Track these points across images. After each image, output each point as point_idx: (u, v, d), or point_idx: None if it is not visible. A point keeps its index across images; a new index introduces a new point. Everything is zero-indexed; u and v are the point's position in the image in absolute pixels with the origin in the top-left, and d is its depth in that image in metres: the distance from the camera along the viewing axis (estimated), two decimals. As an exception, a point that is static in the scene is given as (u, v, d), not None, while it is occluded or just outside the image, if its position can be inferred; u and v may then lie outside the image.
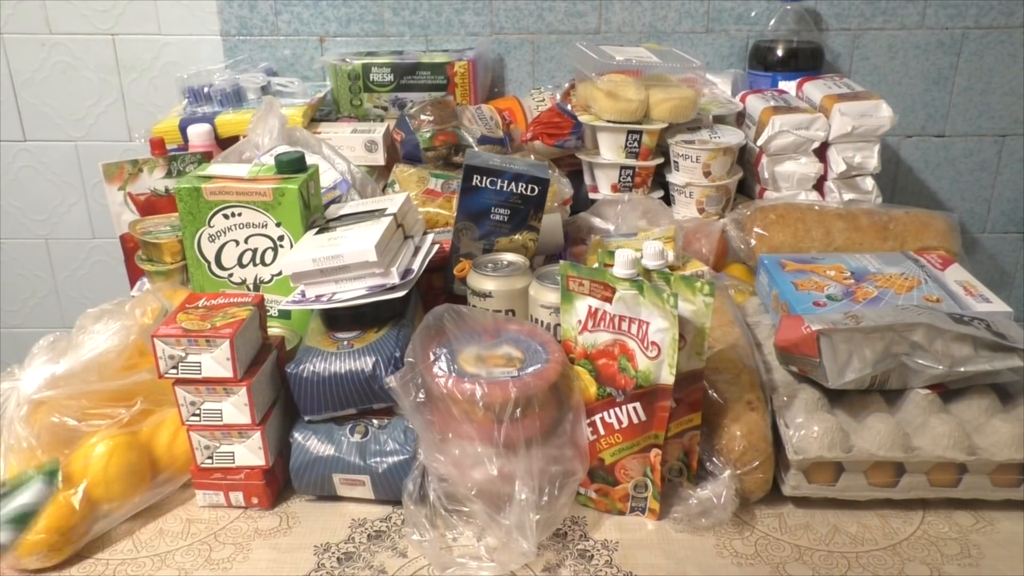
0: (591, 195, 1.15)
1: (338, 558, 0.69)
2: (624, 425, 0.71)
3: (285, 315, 0.88)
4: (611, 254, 0.75)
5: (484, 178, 0.86)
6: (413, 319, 0.81)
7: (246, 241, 0.87)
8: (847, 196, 1.11)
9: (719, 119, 1.16)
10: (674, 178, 1.11)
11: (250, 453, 0.73)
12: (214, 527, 0.73)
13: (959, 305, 0.84)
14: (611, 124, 1.09)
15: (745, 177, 1.15)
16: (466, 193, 0.86)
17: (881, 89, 1.36)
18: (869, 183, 1.12)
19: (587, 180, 1.17)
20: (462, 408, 0.69)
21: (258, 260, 0.87)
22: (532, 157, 1.12)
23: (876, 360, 0.75)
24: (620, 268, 0.73)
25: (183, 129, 1.15)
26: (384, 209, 0.85)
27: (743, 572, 0.67)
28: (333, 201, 0.99)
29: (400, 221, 0.85)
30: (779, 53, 1.29)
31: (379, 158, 1.16)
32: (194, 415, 0.72)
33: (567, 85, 1.24)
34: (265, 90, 1.24)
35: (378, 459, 0.73)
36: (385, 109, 1.28)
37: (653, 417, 0.70)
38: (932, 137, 1.42)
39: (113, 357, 0.77)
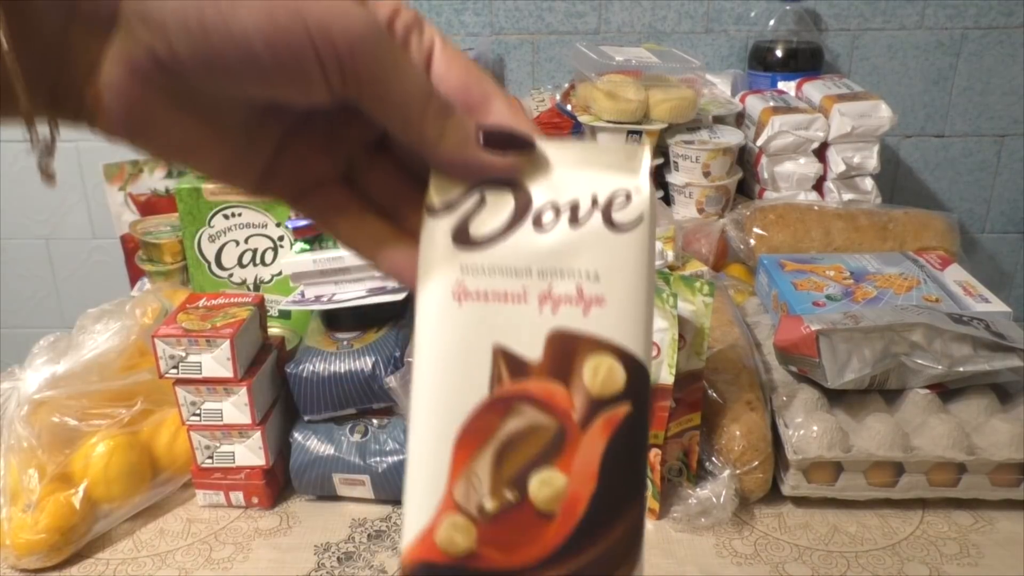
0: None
1: (338, 558, 0.69)
2: (624, 425, 0.71)
3: (285, 315, 0.88)
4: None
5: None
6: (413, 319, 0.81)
7: (246, 241, 0.87)
8: (846, 196, 1.11)
9: (719, 119, 1.16)
10: (673, 178, 1.12)
11: (250, 453, 0.73)
12: (214, 527, 0.73)
13: (958, 305, 0.84)
14: (611, 124, 1.09)
15: (745, 177, 1.15)
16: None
17: (880, 89, 1.36)
18: (868, 183, 1.12)
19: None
20: (462, 408, 0.69)
21: (258, 260, 0.88)
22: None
23: (875, 360, 0.75)
24: (620, 268, 0.73)
25: (183, 129, 1.15)
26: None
27: (743, 572, 0.67)
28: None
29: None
30: (779, 53, 1.30)
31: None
32: (194, 415, 0.72)
33: (567, 85, 1.25)
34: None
35: (378, 459, 0.73)
36: (385, 109, 1.28)
37: (652, 417, 0.70)
38: (931, 137, 1.42)
39: (113, 357, 0.77)
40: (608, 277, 0.29)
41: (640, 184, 0.30)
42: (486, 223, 0.30)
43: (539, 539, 0.28)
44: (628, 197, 0.30)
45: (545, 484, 0.29)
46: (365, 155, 0.32)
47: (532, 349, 0.29)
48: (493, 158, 0.30)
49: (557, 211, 0.30)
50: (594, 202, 0.30)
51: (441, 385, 0.29)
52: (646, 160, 0.30)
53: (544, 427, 0.29)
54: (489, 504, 0.29)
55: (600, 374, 0.29)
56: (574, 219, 0.30)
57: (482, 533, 0.28)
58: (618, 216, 0.30)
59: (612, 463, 0.29)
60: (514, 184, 0.30)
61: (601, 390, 0.29)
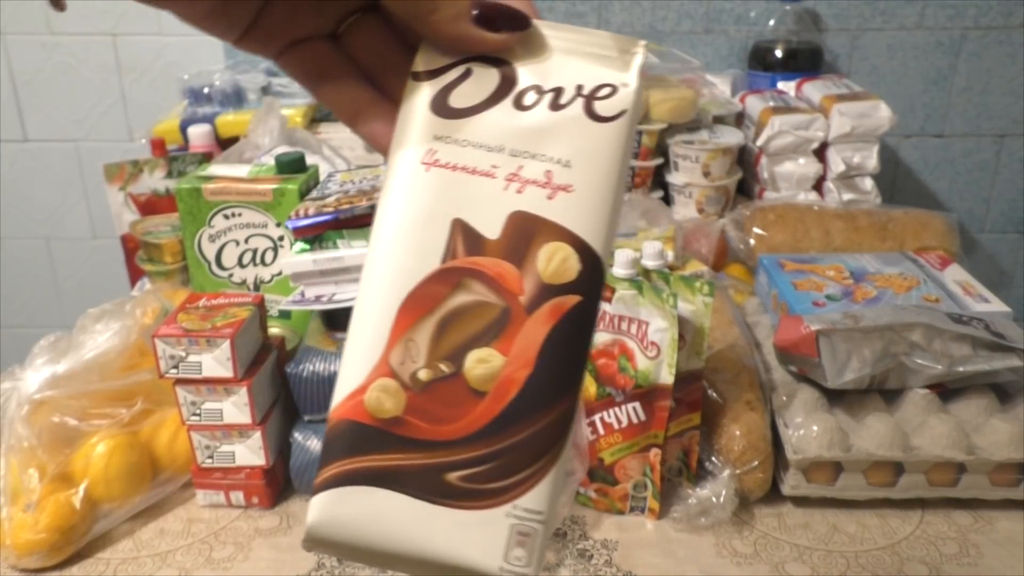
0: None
1: (338, 558, 0.69)
2: (624, 425, 0.71)
3: (285, 315, 0.88)
4: (610, 254, 0.75)
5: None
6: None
7: (246, 241, 0.87)
8: (846, 196, 1.11)
9: (719, 119, 1.16)
10: (673, 178, 1.12)
11: (250, 453, 0.73)
12: (214, 526, 0.73)
13: (958, 305, 0.84)
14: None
15: (744, 177, 1.15)
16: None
17: (880, 89, 1.36)
18: (868, 183, 1.12)
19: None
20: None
21: (258, 260, 0.88)
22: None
23: (875, 360, 0.75)
24: (619, 268, 0.73)
25: (183, 129, 1.15)
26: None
27: (742, 571, 0.67)
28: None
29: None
30: (778, 54, 1.30)
31: (379, 159, 1.16)
32: (194, 415, 0.72)
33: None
34: (265, 91, 1.25)
35: (378, 459, 0.73)
36: (385, 109, 1.28)
37: (652, 417, 0.70)
38: (931, 137, 1.43)
39: (114, 357, 0.77)
40: (579, 166, 0.29)
41: (628, 79, 0.30)
42: (467, 96, 0.30)
43: (466, 416, 0.28)
44: (614, 90, 0.30)
45: (481, 362, 0.28)
46: (355, 16, 0.32)
47: (491, 227, 0.29)
48: (485, 34, 0.29)
49: (540, 94, 0.30)
50: (579, 90, 0.30)
51: (396, 249, 0.29)
52: (639, 57, 0.30)
53: (490, 305, 0.29)
54: (423, 373, 0.28)
55: (554, 261, 0.29)
56: (555, 104, 0.30)
57: (411, 401, 0.28)
58: (600, 107, 0.30)
59: (552, 351, 0.28)
60: (502, 61, 0.30)
61: (553, 277, 0.29)
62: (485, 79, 0.30)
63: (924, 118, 1.41)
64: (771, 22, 1.31)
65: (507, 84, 0.30)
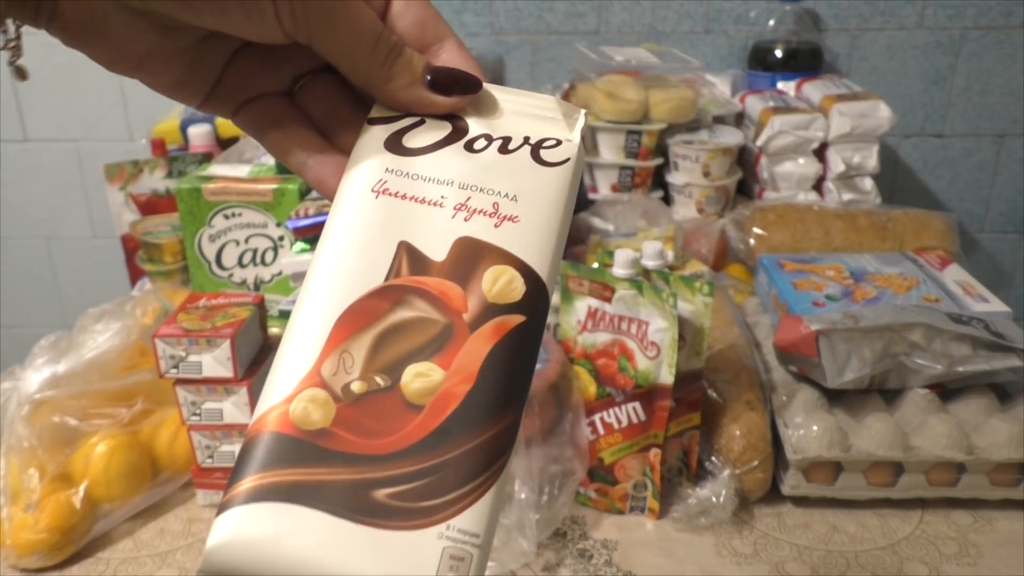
0: (591, 195, 1.15)
1: None
2: (623, 425, 0.71)
3: (285, 315, 0.88)
4: (610, 254, 0.75)
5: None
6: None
7: (246, 241, 0.87)
8: (846, 196, 1.11)
9: (718, 119, 1.16)
10: (673, 178, 1.12)
11: (250, 453, 0.73)
12: (215, 526, 0.73)
13: (958, 305, 0.84)
14: (610, 124, 1.10)
15: (744, 177, 1.15)
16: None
17: (880, 89, 1.37)
18: (868, 183, 1.12)
19: (586, 180, 1.17)
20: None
21: (258, 260, 0.88)
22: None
23: (875, 360, 0.75)
24: (619, 268, 0.73)
25: (184, 129, 1.15)
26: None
27: (742, 571, 0.67)
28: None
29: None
30: (778, 54, 1.30)
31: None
32: (194, 415, 0.72)
33: (566, 86, 1.25)
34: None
35: (378, 459, 0.73)
36: (385, 109, 1.28)
37: (652, 417, 0.70)
38: (931, 137, 1.43)
39: (114, 357, 0.77)
40: (526, 201, 0.31)
41: (572, 137, 0.32)
42: (420, 138, 0.31)
43: (400, 429, 0.27)
44: (559, 142, 0.32)
45: (420, 376, 0.28)
46: (311, 74, 0.33)
47: (437, 250, 0.30)
48: (438, 98, 0.31)
49: (489, 140, 0.32)
50: (526, 140, 0.32)
51: (339, 267, 0.29)
52: (582, 121, 0.33)
53: (432, 321, 0.29)
54: (356, 386, 0.27)
55: (499, 282, 0.29)
56: (504, 149, 0.31)
57: (341, 413, 0.27)
58: (546, 154, 0.32)
59: (494, 367, 0.28)
60: (455, 116, 0.32)
61: (497, 297, 0.29)
62: (438, 127, 0.32)
63: (924, 118, 1.41)
64: (771, 22, 1.31)
65: (459, 132, 0.32)
